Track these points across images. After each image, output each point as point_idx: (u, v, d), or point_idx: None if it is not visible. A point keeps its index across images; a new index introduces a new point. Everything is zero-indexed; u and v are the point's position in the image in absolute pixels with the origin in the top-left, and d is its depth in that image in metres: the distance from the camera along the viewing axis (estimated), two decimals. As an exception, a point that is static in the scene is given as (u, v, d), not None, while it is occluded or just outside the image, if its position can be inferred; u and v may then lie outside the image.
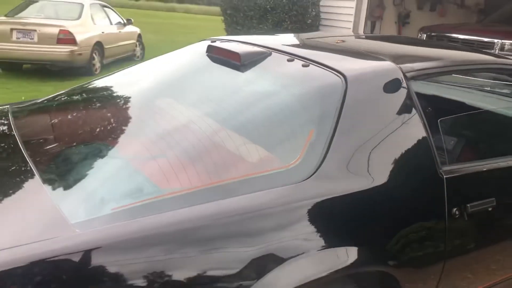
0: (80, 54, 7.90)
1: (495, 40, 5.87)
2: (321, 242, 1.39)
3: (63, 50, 7.73)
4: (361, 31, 7.26)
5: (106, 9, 9.67)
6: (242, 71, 1.89)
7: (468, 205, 1.69)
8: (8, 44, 7.67)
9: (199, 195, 1.34)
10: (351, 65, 1.75)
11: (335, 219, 1.45)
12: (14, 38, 7.71)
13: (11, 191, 1.43)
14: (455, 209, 1.66)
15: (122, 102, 2.07)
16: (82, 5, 8.64)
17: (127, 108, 2.01)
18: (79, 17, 8.38)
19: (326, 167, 1.46)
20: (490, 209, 1.75)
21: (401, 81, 1.70)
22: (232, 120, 1.70)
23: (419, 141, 1.66)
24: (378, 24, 8.22)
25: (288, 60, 1.85)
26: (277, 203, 1.37)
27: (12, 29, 7.71)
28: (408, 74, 1.73)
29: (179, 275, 1.21)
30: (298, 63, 1.81)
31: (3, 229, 1.20)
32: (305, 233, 1.38)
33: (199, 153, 1.56)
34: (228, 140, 1.60)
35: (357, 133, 1.58)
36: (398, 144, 1.63)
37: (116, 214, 1.24)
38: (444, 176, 1.66)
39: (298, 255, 1.34)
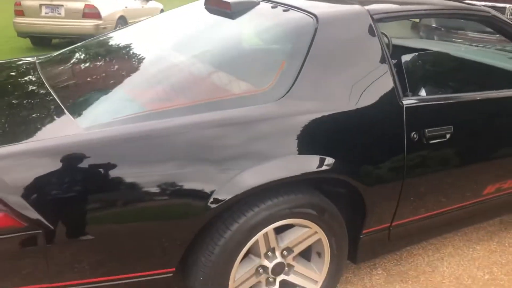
0: (104, 27, 8.25)
1: (507, 5, 5.92)
2: (287, 150, 1.67)
3: (88, 24, 8.10)
4: None
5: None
6: (233, 18, 2.16)
7: (426, 130, 1.93)
8: (37, 19, 8.10)
9: (187, 110, 1.64)
10: (323, 9, 2.00)
11: (301, 133, 1.72)
12: (43, 13, 8.13)
13: (41, 114, 1.77)
14: (413, 133, 1.91)
15: (126, 49, 2.39)
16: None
17: (129, 53, 2.33)
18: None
19: (294, 92, 1.73)
20: (448, 135, 1.99)
21: (368, 21, 1.94)
22: (218, 57, 1.99)
23: (382, 74, 1.90)
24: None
25: (272, 7, 2.11)
26: (252, 117, 1.66)
27: (41, 5, 8.12)
28: (375, 16, 1.97)
29: (164, 170, 1.52)
30: (280, 9, 2.07)
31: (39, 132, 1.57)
32: (275, 142, 1.66)
33: (190, 83, 1.85)
34: (214, 73, 1.89)
35: (325, 65, 1.83)
36: (363, 76, 1.88)
37: (115, 121, 1.57)
38: (404, 105, 1.90)
39: (267, 159, 1.62)
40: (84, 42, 2.63)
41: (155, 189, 1.51)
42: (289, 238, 1.83)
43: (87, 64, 2.35)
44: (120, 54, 2.40)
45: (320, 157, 1.73)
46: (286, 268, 1.87)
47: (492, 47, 2.92)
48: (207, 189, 1.54)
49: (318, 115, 1.75)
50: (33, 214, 1.39)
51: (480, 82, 2.26)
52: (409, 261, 2.44)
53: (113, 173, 1.47)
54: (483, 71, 2.61)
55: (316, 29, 1.86)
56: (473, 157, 2.16)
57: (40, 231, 1.40)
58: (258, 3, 2.19)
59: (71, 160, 1.45)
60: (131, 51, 2.34)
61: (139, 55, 2.25)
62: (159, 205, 1.53)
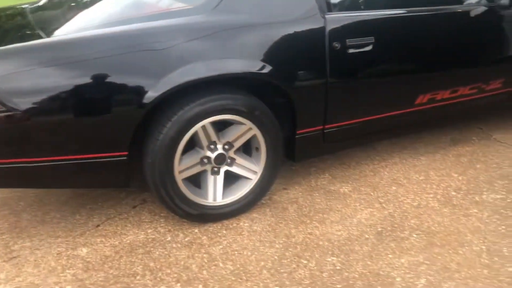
0: None
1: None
2: (216, 54, 2.02)
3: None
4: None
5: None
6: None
7: (347, 40, 2.24)
8: None
9: (133, 20, 2.02)
10: None
11: (229, 40, 2.06)
12: None
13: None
14: (335, 43, 2.22)
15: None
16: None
17: None
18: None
19: (225, 5, 2.08)
20: (370, 46, 2.28)
21: None
22: None
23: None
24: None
25: None
26: (188, 25, 2.03)
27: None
28: None
29: (109, 69, 1.91)
30: None
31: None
32: (204, 47, 2.02)
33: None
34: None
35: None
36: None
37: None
38: (327, 18, 2.21)
39: (197, 61, 1.98)
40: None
41: (104, 85, 1.90)
42: (228, 134, 2.20)
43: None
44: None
45: (247, 61, 2.07)
46: (229, 160, 2.24)
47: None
48: (146, 84, 1.92)
49: (245, 25, 2.09)
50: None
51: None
52: (356, 168, 2.77)
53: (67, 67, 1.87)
54: None
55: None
56: (397, 67, 2.46)
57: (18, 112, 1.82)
58: None
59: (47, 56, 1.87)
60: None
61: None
62: (107, 97, 1.92)
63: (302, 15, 2.20)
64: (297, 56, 2.19)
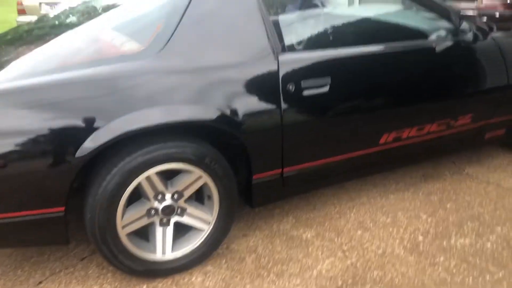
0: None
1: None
2: (160, 101, 1.89)
3: (85, 18, 8.46)
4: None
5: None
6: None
7: (301, 81, 2.12)
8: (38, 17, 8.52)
9: (74, 67, 1.88)
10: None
11: (173, 86, 1.94)
12: (43, 10, 8.53)
13: None
14: (289, 85, 2.10)
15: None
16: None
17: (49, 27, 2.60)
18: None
19: (170, 49, 1.95)
20: (327, 86, 2.17)
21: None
22: (107, 20, 2.23)
23: (257, 32, 2.10)
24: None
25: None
26: (131, 71, 1.89)
27: (40, 3, 8.54)
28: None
29: (45, 119, 1.77)
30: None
31: None
32: (150, 93, 1.89)
33: (83, 43, 2.09)
34: (103, 34, 2.13)
35: (202, 25, 2.04)
36: (238, 34, 2.09)
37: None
38: (279, 59, 2.10)
39: (138, 109, 1.85)
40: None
41: (39, 135, 1.76)
42: (177, 183, 2.06)
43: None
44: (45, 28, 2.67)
45: (194, 107, 1.95)
46: (179, 210, 2.10)
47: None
48: (82, 134, 1.79)
49: (191, 69, 1.97)
50: None
51: (373, 37, 2.42)
52: (321, 210, 2.63)
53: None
54: (375, 26, 2.76)
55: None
56: (357, 107, 2.34)
57: None
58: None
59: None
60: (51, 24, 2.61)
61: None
62: (40, 149, 1.78)
63: (254, 56, 2.08)
64: (249, 100, 2.06)
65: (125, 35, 2.11)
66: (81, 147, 1.79)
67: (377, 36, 2.47)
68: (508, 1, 5.69)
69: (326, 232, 2.42)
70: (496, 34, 2.74)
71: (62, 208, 1.87)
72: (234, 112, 2.03)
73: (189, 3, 2.05)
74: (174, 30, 1.99)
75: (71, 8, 2.79)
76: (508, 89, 2.72)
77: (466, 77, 2.62)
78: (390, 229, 2.42)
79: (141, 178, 1.93)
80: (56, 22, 2.67)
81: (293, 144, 2.21)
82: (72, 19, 2.63)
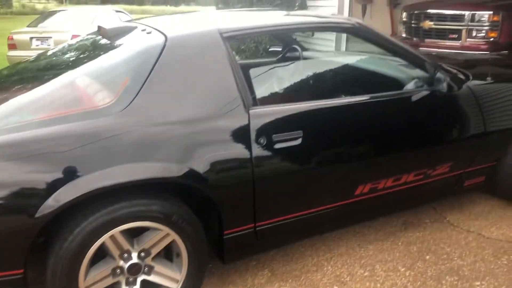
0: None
1: (466, 12, 6.00)
2: (124, 159, 1.85)
3: (76, 53, 8.49)
4: (345, 14, 7.53)
5: (120, 13, 10.43)
6: (110, 41, 2.37)
7: (273, 135, 2.09)
8: (28, 51, 8.52)
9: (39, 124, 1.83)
10: (178, 30, 2.20)
11: (139, 142, 1.89)
12: (33, 45, 8.58)
13: None
14: (260, 139, 2.07)
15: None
16: (96, 12, 9.45)
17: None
18: (92, 22, 9.14)
19: (135, 105, 1.92)
20: (298, 140, 2.14)
21: (217, 40, 2.13)
22: (75, 76, 2.18)
23: (227, 87, 2.08)
24: (369, 7, 8.42)
25: (142, 30, 2.32)
26: (96, 128, 1.84)
27: (31, 38, 8.58)
28: (225, 35, 2.16)
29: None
30: (146, 31, 2.28)
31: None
32: (114, 151, 1.84)
33: (51, 98, 2.05)
34: (70, 89, 2.09)
35: (171, 80, 2.02)
36: (208, 90, 2.07)
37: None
38: (250, 113, 2.07)
39: (101, 167, 1.80)
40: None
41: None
42: (144, 241, 1.99)
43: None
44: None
45: (160, 164, 1.90)
46: (146, 269, 2.03)
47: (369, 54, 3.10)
48: (42, 194, 1.73)
49: (157, 124, 1.93)
50: None
51: (347, 88, 2.41)
52: (298, 262, 2.56)
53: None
54: (349, 76, 2.77)
55: (163, 48, 2.06)
56: (331, 159, 2.30)
57: None
58: (135, 27, 2.41)
59: None
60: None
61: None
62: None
63: (223, 110, 2.06)
64: (218, 154, 2.02)
65: (98, 84, 2.09)
66: (41, 207, 1.74)
67: (352, 87, 2.47)
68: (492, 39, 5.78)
69: (302, 287, 2.35)
70: (473, 82, 2.74)
71: (21, 271, 1.81)
72: (202, 167, 1.98)
73: (158, 57, 2.03)
74: (142, 85, 1.97)
75: (58, 49, 2.76)
76: (485, 137, 2.70)
77: (442, 127, 2.60)
78: (367, 284, 2.35)
79: (105, 238, 1.87)
80: (37, 66, 2.62)
81: (266, 198, 2.17)
82: (55, 61, 2.59)
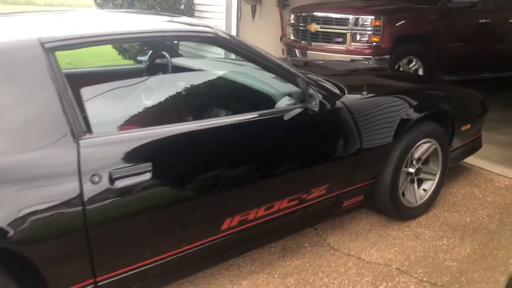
0: None
1: (350, 16, 6.02)
2: None
3: None
4: (233, 15, 7.29)
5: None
6: None
7: (112, 170, 1.70)
8: None
9: None
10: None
11: None
12: None
13: None
14: (94, 176, 1.66)
15: None
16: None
17: None
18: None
19: None
20: (146, 175, 1.76)
21: (36, 52, 1.68)
22: None
23: (48, 110, 1.65)
24: (259, 8, 8.26)
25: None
26: None
27: None
28: (47, 45, 1.71)
29: None
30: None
31: None
32: None
33: None
34: None
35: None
36: (22, 115, 1.62)
37: None
38: (80, 144, 1.66)
39: None
40: None
41: None
42: None
43: None
44: None
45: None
46: None
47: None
48: None
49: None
50: None
51: (207, 108, 2.09)
52: (160, 309, 2.19)
53: None
54: (216, 92, 2.47)
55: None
56: (187, 194, 1.94)
57: None
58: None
59: None
60: None
61: None
62: None
63: (43, 142, 1.62)
64: (34, 200, 1.57)
65: None
66: None
67: (215, 106, 2.14)
68: (374, 43, 5.85)
69: None
70: (348, 97, 2.56)
71: None
72: (6, 219, 1.52)
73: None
74: None
75: None
76: (363, 154, 2.54)
77: (316, 147, 2.37)
78: (237, 332, 2.06)
79: None
80: None
81: (107, 247, 1.77)
82: None
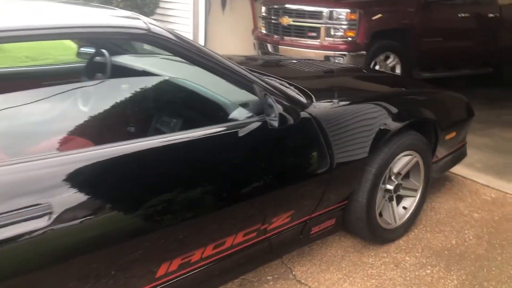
0: None
1: (324, 9, 5.64)
2: None
3: None
4: (201, 8, 6.85)
5: None
6: None
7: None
8: None
9: None
10: None
11: None
12: None
13: None
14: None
15: None
16: None
17: None
18: None
19: None
20: (43, 219, 1.33)
21: None
22: None
23: None
24: (229, 0, 7.80)
25: None
26: None
27: None
28: None
29: None
30: None
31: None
32: None
33: None
34: None
35: None
36: None
37: None
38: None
39: None
40: None
41: None
42: None
43: None
44: None
45: None
46: None
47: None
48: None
49: None
50: None
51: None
52: None
53: None
54: (155, 103, 2.04)
55: None
56: (107, 238, 1.51)
57: None
58: None
59: None
60: None
61: None
62: None
63: None
64: None
65: None
66: None
67: (151, 120, 1.71)
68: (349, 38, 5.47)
69: None
70: (316, 105, 2.16)
71: None
72: None
73: None
74: None
75: None
76: (333, 173, 2.15)
77: (276, 169, 1.96)
78: None
79: None
80: None
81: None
82: None
